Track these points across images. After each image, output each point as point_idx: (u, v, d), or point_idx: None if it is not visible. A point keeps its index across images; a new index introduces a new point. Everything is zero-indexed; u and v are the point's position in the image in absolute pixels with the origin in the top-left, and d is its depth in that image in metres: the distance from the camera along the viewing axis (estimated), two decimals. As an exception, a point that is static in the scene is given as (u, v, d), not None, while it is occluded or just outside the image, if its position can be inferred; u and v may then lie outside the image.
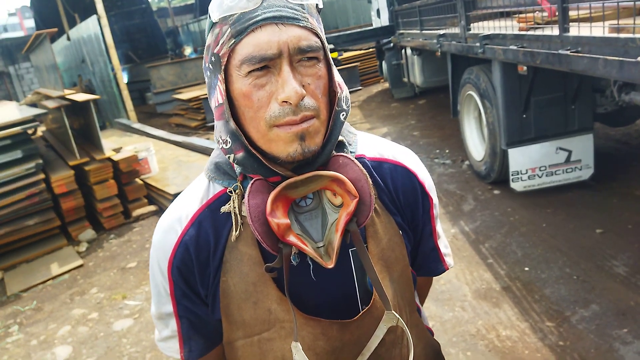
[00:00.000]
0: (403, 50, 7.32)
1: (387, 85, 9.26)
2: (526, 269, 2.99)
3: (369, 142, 0.89)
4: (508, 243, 3.32)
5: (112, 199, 4.99)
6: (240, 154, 0.74)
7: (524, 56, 3.07)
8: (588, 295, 2.63)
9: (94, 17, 9.53)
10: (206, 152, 6.16)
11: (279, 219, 0.73)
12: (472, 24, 4.10)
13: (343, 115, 0.78)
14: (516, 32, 3.23)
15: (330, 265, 0.74)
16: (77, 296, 3.72)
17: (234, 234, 0.78)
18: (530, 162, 3.77)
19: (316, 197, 0.80)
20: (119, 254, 4.37)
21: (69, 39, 11.51)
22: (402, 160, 0.88)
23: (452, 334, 2.55)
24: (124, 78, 10.64)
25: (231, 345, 0.85)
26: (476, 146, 4.61)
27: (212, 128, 9.33)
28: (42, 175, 4.54)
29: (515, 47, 3.14)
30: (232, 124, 0.73)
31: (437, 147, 5.57)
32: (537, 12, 3.08)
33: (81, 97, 5.11)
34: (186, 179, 5.25)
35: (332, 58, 6.48)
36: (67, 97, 5.09)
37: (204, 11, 23.28)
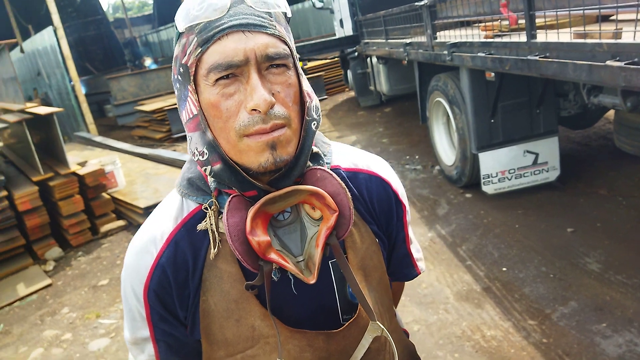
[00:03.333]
0: (368, 59, 7.41)
1: (352, 94, 9.36)
2: (504, 269, 3.07)
3: (343, 153, 0.89)
4: (484, 245, 3.40)
5: (78, 214, 4.81)
6: (217, 166, 0.73)
7: (492, 63, 3.16)
8: (566, 293, 2.72)
9: (50, 28, 9.23)
10: (174, 164, 6.03)
11: (259, 237, 0.72)
12: (437, 33, 4.20)
13: (314, 124, 0.77)
14: (483, 39, 3.33)
15: (312, 280, 0.74)
16: (47, 317, 3.56)
17: (213, 252, 0.76)
18: (500, 166, 3.88)
19: (294, 211, 0.79)
20: (89, 272, 4.21)
21: (22, 51, 11.10)
22: (376, 170, 0.89)
23: (439, 336, 2.58)
24: (82, 90, 10.33)
25: None
26: (446, 151, 4.71)
27: (177, 140, 9.16)
28: (4, 192, 4.34)
29: (483, 54, 3.23)
30: (210, 134, 0.72)
31: (407, 154, 5.66)
32: (500, 20, 3.19)
33: (44, 110, 4.93)
34: (156, 192, 5.13)
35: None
36: (29, 110, 4.90)
37: (163, 22, 22.94)
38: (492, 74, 3.50)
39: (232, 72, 0.68)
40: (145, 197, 5.02)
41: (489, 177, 3.91)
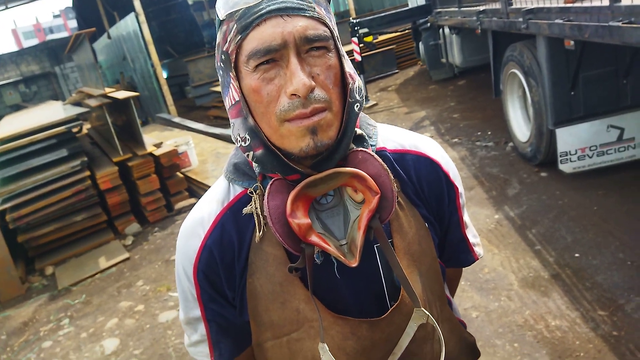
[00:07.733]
0: (441, 30, 7.10)
1: (424, 67, 9.03)
2: (576, 255, 2.85)
3: (389, 134, 0.87)
4: (557, 228, 3.17)
5: (154, 192, 5.10)
6: (259, 151, 0.73)
7: (571, 30, 2.89)
8: (645, 283, 2.48)
9: (132, 14, 9.71)
10: (244, 143, 6.20)
11: (299, 220, 0.72)
12: (513, -1, 3.91)
13: (357, 106, 0.75)
14: (561, 4, 3.05)
15: (354, 264, 0.73)
16: (124, 289, 3.84)
17: (258, 234, 0.78)
18: (580, 142, 3.57)
19: (337, 194, 0.78)
20: (163, 247, 4.47)
21: (109, 37, 11.81)
22: (424, 150, 0.86)
23: (498, 324, 2.45)
24: (163, 73, 10.83)
25: (260, 347, 0.85)
26: (521, 127, 4.42)
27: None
28: (87, 173, 4.69)
29: (561, 21, 2.96)
30: (251, 120, 0.72)
31: (479, 129, 5.38)
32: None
33: (121, 94, 5.23)
34: (225, 170, 5.30)
35: (368, 42, 6.17)
36: (108, 95, 5.22)
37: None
38: (572, 42, 3.20)
39: (271, 57, 0.68)
40: (215, 176, 5.21)
41: (567, 155, 3.62)
